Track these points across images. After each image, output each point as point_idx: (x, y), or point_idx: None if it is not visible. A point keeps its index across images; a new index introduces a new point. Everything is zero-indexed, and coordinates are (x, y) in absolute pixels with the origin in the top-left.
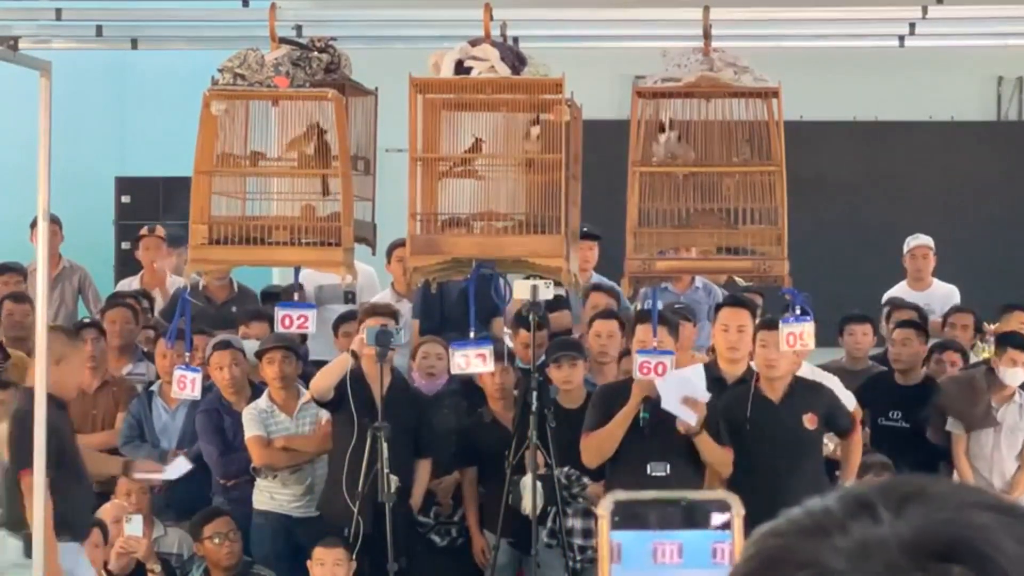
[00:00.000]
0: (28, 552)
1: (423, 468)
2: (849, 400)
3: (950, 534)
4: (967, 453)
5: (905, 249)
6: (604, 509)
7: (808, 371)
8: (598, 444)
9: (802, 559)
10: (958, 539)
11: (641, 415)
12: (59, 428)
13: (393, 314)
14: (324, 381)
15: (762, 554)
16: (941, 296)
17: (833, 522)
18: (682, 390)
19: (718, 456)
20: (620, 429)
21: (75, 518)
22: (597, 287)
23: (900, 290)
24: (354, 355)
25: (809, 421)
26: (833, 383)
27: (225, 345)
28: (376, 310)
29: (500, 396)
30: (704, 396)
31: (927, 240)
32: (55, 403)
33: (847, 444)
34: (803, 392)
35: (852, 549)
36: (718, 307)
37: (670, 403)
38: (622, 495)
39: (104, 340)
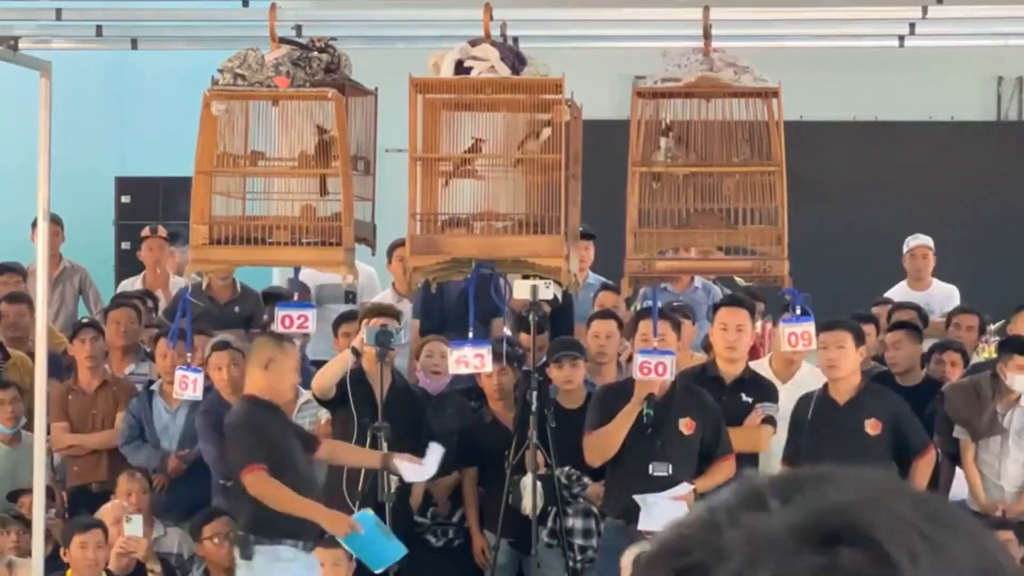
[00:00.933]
0: (243, 553)
1: None
2: None
3: (838, 517)
4: (975, 459)
5: (905, 249)
6: (629, 559)
7: (808, 371)
8: (602, 442)
9: (695, 548)
10: (846, 522)
11: (645, 411)
12: (271, 432)
13: (395, 314)
14: (325, 379)
15: (661, 546)
16: (941, 296)
17: (727, 514)
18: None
19: (721, 477)
20: (624, 426)
21: (296, 522)
22: (607, 287)
23: (900, 290)
24: (355, 352)
25: (872, 427)
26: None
27: (223, 346)
28: (379, 310)
29: (499, 396)
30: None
31: (927, 240)
32: (266, 407)
33: (914, 468)
34: (872, 398)
35: (742, 538)
36: (716, 306)
37: (663, 513)
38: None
39: (103, 340)
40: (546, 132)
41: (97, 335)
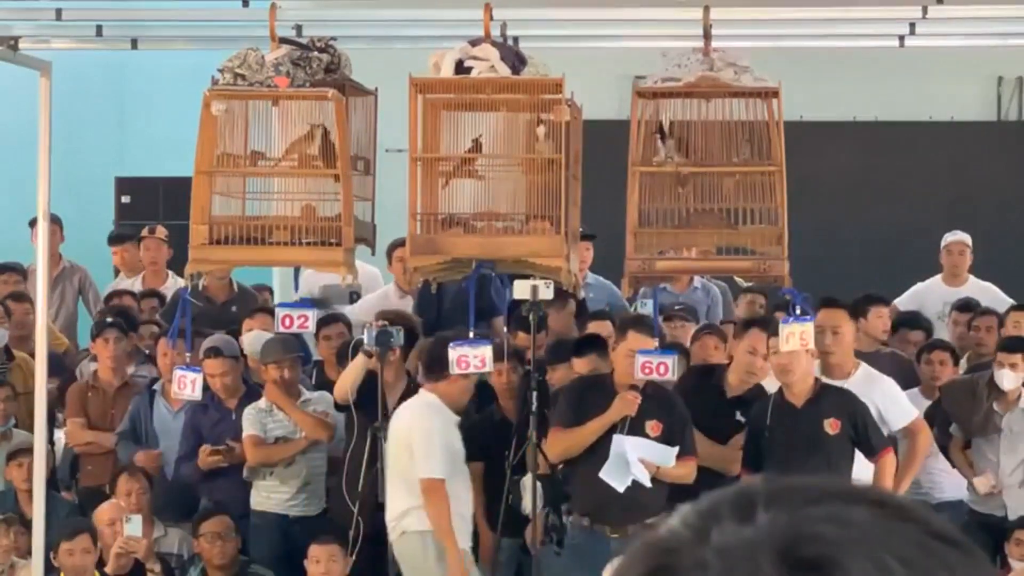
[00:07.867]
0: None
1: None
2: (903, 412)
3: (816, 546)
4: (970, 461)
5: (942, 244)
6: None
7: (864, 373)
8: (568, 444)
9: (679, 551)
10: (822, 554)
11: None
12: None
13: (405, 320)
14: (347, 383)
15: (652, 538)
16: (975, 293)
17: (715, 518)
18: (647, 453)
19: (676, 476)
20: (594, 434)
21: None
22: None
23: (935, 285)
24: (367, 354)
25: (831, 426)
26: (885, 388)
27: (215, 353)
28: (386, 316)
29: (509, 396)
30: (666, 463)
31: (964, 236)
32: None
33: (876, 467)
34: (829, 398)
35: (719, 551)
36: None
37: (632, 457)
38: None
39: (127, 340)
40: (541, 130)
41: (121, 335)
